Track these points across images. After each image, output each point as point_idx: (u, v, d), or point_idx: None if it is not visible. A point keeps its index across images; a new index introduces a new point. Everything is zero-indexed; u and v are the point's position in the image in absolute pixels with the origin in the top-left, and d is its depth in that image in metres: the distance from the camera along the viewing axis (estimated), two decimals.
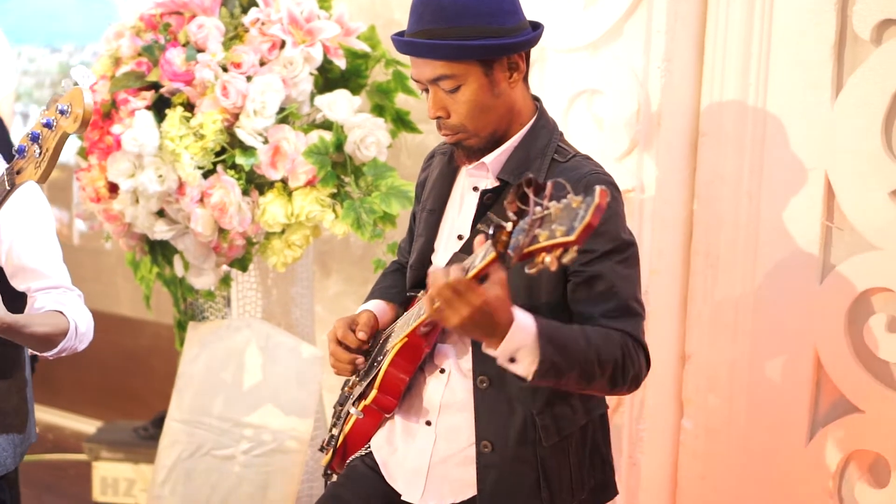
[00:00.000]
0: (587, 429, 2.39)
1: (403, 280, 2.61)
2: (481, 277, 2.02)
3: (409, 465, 2.43)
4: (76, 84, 2.17)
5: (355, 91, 3.30)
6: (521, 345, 2.07)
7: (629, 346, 2.20)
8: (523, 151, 2.34)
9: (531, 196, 1.85)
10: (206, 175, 3.16)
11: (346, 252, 3.93)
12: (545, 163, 2.32)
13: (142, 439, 5.00)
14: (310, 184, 3.15)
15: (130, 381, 5.73)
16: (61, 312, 2.50)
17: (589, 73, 3.19)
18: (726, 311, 3.06)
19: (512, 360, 2.09)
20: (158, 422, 5.12)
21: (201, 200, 3.16)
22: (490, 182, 2.37)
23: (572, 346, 2.13)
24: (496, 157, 2.34)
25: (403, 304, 2.58)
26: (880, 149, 2.77)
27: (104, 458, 4.89)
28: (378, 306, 2.57)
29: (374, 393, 2.36)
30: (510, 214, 1.88)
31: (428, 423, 2.40)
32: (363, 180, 3.19)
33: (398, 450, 2.45)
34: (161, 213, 3.27)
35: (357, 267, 3.93)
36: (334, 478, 2.57)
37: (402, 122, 3.45)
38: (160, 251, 3.41)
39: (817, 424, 2.96)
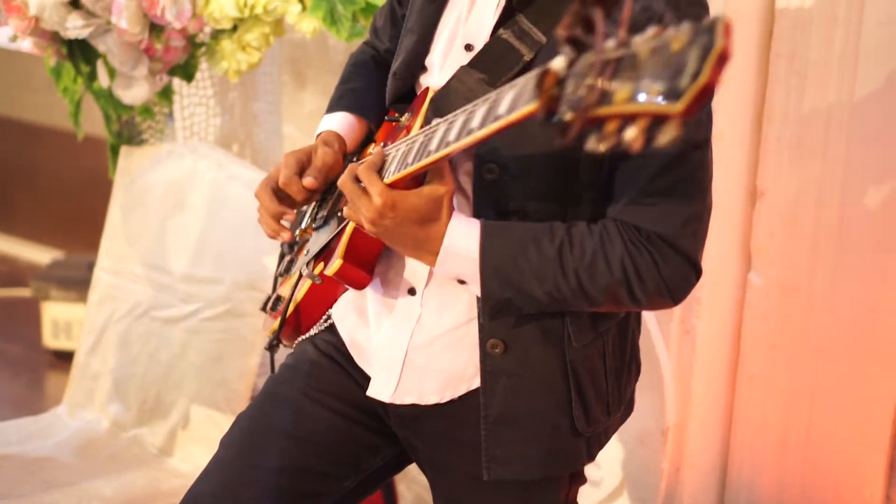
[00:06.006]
0: (627, 322, 1.80)
1: (381, 77, 1.94)
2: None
3: (382, 347, 1.79)
4: None
5: None
6: (459, 273, 1.60)
7: (637, 260, 1.59)
8: None
9: (599, 19, 1.15)
10: None
11: (325, 58, 3.31)
12: None
13: None
14: None
15: (93, 207, 5.20)
16: None
17: None
18: (814, 132, 2.55)
19: (461, 281, 1.62)
20: None
21: None
22: None
23: (534, 278, 1.59)
24: None
25: (378, 122, 1.94)
26: None
27: (53, 298, 4.36)
28: (346, 125, 1.91)
29: (337, 263, 1.70)
30: (566, 49, 1.19)
31: (411, 292, 1.76)
32: None
33: (369, 323, 1.82)
34: (76, 4, 2.61)
35: (338, 76, 3.27)
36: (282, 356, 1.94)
37: None
38: (80, 54, 2.73)
39: None
